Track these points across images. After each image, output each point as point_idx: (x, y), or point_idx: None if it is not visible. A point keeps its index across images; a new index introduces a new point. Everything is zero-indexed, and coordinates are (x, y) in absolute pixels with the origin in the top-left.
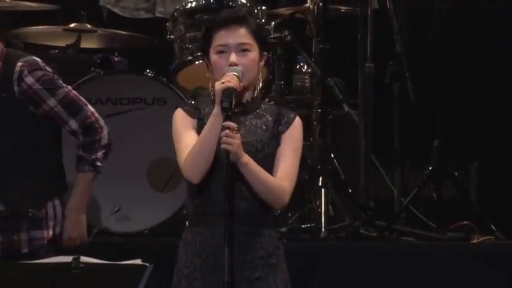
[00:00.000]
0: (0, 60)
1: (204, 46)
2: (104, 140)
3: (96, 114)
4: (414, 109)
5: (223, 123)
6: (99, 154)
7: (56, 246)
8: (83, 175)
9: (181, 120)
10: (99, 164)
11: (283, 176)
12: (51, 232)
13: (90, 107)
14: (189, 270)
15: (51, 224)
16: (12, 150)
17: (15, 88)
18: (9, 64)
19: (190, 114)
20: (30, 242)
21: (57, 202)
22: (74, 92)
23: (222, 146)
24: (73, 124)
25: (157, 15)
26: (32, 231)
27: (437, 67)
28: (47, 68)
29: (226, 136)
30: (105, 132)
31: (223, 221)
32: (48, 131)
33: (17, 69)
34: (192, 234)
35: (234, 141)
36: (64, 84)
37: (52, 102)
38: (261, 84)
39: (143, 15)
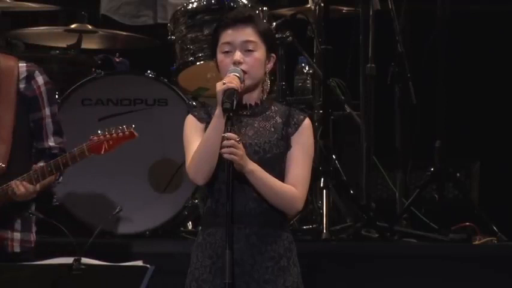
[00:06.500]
0: None
1: (213, 46)
2: None
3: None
4: (416, 110)
5: (224, 134)
6: None
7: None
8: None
9: (191, 126)
10: None
11: (294, 182)
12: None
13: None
14: (199, 273)
15: (34, 229)
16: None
17: (22, 85)
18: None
19: (199, 119)
20: (22, 243)
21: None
22: None
23: (226, 156)
24: (52, 142)
25: (159, 21)
26: (24, 232)
27: (439, 68)
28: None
29: (230, 147)
30: None
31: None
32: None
33: (23, 68)
34: (203, 236)
35: (238, 152)
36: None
37: (47, 112)
38: (269, 86)
39: (145, 21)
